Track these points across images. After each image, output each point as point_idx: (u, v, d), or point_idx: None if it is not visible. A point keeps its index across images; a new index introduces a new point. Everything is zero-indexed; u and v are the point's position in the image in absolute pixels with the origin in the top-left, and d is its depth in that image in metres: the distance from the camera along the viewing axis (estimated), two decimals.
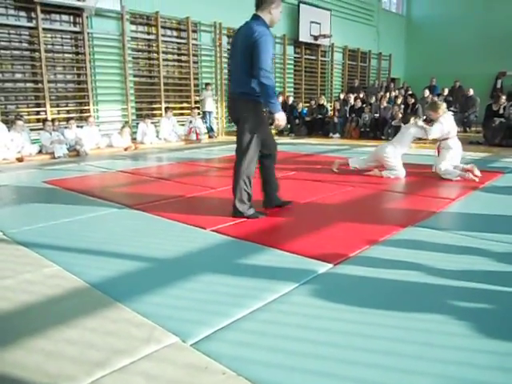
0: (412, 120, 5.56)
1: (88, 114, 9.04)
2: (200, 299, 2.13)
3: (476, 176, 5.04)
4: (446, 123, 5.30)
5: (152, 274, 2.47)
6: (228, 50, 11.82)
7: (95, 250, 2.87)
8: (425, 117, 6.23)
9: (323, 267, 2.51)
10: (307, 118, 12.16)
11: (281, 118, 3.42)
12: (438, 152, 5.45)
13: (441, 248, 2.84)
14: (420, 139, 6.15)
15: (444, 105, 5.54)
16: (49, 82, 8.57)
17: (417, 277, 2.36)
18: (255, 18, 3.36)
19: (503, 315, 1.95)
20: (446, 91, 13.19)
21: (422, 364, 1.59)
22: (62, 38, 8.86)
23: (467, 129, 12.39)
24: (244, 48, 3.27)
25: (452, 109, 12.16)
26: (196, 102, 11.13)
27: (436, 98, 11.78)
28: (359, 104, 11.58)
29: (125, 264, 2.59)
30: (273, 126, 3.87)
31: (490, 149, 8.42)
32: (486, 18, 16.10)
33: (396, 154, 5.38)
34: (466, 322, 1.87)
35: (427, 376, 1.52)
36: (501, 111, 9.43)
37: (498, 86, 15.59)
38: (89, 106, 9.11)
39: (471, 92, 12.60)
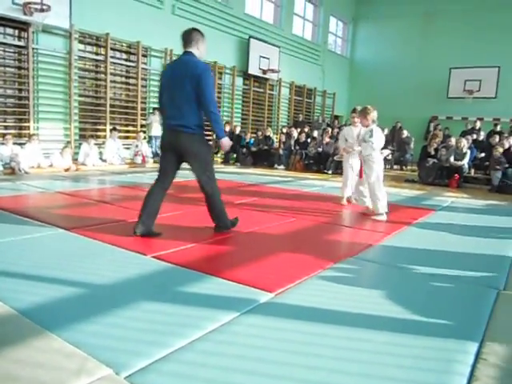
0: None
1: (27, 131, 8.65)
2: (137, 328, 2.06)
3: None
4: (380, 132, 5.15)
5: (87, 301, 2.36)
6: None
7: (26, 274, 2.70)
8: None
9: (264, 296, 2.52)
10: (253, 149, 12.37)
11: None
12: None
13: (374, 280, 2.95)
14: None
15: (375, 112, 5.16)
16: None
17: (355, 308, 2.43)
18: (188, 53, 3.67)
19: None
20: (386, 131, 13.95)
21: None
22: (4, 51, 8.50)
23: (403, 167, 13.13)
24: (188, 82, 3.51)
25: (390, 147, 12.90)
26: (142, 126, 11.00)
27: None
28: (304, 138, 11.99)
29: (58, 290, 2.46)
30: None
31: (424, 187, 8.95)
32: (419, 68, 17.44)
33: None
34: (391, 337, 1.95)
35: None
36: (433, 153, 10.11)
37: (431, 128, 16.74)
38: (29, 122, 8.72)
39: (405, 133, 13.44)
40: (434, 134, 13.58)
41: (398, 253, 3.75)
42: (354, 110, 5.57)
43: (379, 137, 5.12)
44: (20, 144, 8.28)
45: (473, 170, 10.05)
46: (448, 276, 3.08)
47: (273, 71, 14.52)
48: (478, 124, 13.17)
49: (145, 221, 3.73)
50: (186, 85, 3.51)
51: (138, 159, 10.21)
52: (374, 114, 5.11)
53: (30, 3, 8.03)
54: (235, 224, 4.15)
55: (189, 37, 3.67)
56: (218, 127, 3.65)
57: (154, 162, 10.86)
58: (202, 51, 3.74)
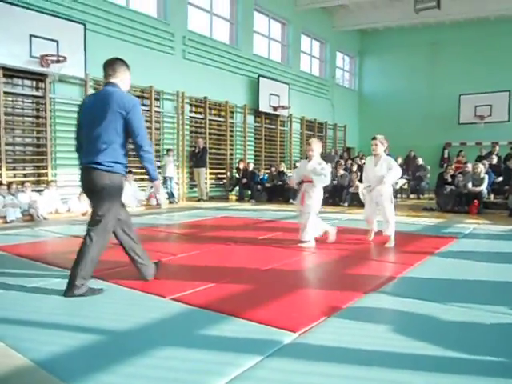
0: None
1: (46, 178, 8.83)
2: (156, 377, 1.98)
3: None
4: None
5: (105, 349, 2.29)
6: (190, 117, 12.14)
7: (44, 322, 2.66)
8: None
9: (288, 337, 2.43)
10: (267, 185, 12.38)
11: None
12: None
13: (401, 316, 2.83)
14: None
15: (319, 144, 5.37)
16: (6, 144, 8.38)
17: (384, 346, 2.32)
18: (111, 84, 3.33)
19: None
20: (400, 160, 13.91)
21: None
22: (23, 101, 8.81)
23: (420, 196, 12.97)
24: (112, 115, 3.17)
25: (405, 176, 12.80)
26: (157, 168, 11.12)
27: None
28: None
29: (76, 338, 2.40)
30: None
31: (443, 215, 8.77)
32: (428, 96, 17.55)
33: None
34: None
35: None
36: (450, 179, 9.98)
37: (446, 155, 16.64)
38: (47, 169, 8.91)
39: (420, 161, 13.36)
40: (457, 160, 13.48)
41: (423, 285, 3.61)
42: (374, 138, 5.54)
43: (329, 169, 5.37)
44: (38, 191, 8.44)
45: (492, 195, 9.86)
46: (479, 308, 2.94)
47: (283, 107, 14.72)
48: (497, 149, 13.01)
49: (145, 266, 3.61)
50: (109, 118, 3.16)
51: (153, 201, 10.28)
52: (318, 146, 5.30)
53: (46, 55, 8.36)
54: (84, 294, 3.19)
55: (112, 67, 3.34)
56: (150, 167, 3.31)
57: (170, 202, 10.94)
58: (126, 83, 3.43)
